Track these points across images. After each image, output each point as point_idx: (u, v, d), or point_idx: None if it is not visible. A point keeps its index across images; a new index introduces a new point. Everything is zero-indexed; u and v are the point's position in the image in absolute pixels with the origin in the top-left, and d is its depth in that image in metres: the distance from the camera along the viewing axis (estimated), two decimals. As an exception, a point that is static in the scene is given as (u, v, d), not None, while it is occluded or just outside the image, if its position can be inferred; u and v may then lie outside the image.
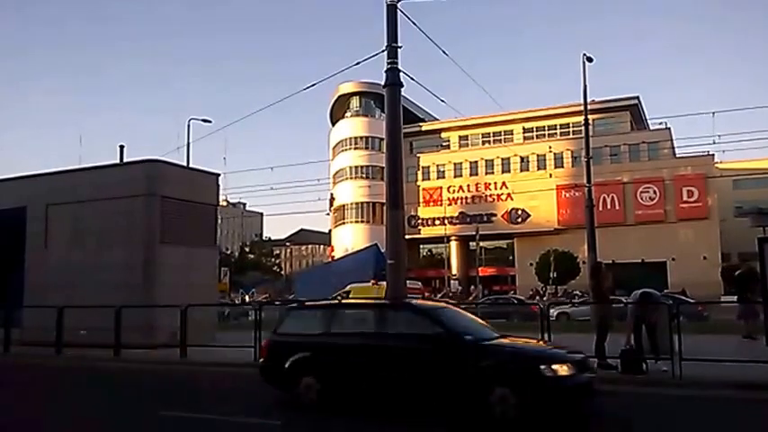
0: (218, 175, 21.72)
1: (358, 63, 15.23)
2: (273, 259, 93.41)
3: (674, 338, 11.14)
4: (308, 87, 17.32)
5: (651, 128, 64.94)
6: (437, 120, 73.67)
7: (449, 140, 74.01)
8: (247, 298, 50.89)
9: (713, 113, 44.30)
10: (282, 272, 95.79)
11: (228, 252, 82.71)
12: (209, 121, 37.14)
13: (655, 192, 60.55)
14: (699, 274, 49.56)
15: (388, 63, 14.10)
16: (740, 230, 60.70)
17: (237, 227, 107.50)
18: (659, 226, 58.80)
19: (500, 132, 71.22)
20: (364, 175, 72.14)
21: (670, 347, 11.29)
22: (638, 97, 67.14)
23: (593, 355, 11.55)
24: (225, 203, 76.83)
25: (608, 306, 13.05)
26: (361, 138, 73.33)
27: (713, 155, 58.08)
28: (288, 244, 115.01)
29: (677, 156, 61.39)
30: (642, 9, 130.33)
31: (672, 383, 10.62)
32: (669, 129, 61.70)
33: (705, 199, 59.27)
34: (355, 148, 73.37)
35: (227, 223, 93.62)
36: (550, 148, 65.29)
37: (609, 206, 59.33)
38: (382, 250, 22.88)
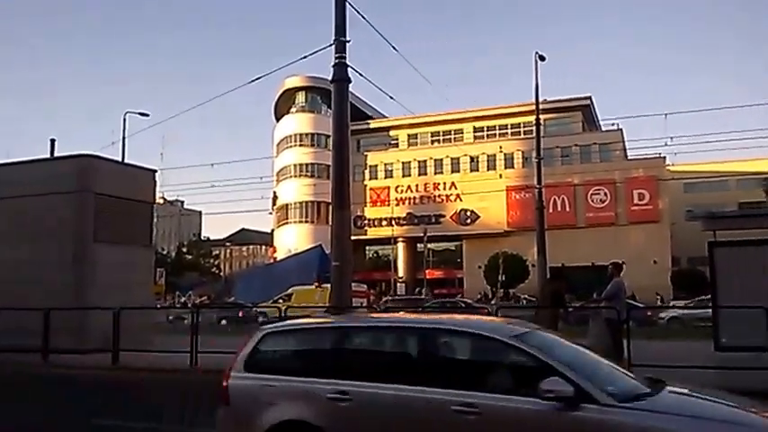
0: (155, 171, 20.80)
1: (305, 57, 14.83)
2: (212, 260, 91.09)
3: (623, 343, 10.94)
4: (252, 81, 16.65)
5: (603, 129, 65.60)
6: (386, 117, 72.88)
7: (397, 139, 73.42)
8: (184, 300, 49.33)
9: (665, 115, 44.59)
10: (222, 273, 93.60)
11: (165, 252, 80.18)
12: (147, 115, 35.64)
13: (606, 194, 60.87)
14: (649, 278, 49.07)
15: (336, 58, 13.44)
16: (691, 234, 61.49)
17: (174, 226, 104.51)
18: (610, 229, 58.64)
19: (450, 131, 70.94)
20: (309, 174, 70.91)
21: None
22: (590, 98, 67.76)
23: None
24: (162, 201, 74.34)
25: (563, 311, 13.13)
26: (307, 134, 72.10)
27: (665, 157, 58.85)
28: (228, 244, 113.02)
29: (629, 158, 62.12)
30: (598, 9, 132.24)
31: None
32: (621, 130, 62.15)
33: (656, 202, 59.71)
34: (300, 145, 72.02)
35: (164, 222, 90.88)
36: (501, 148, 65.20)
37: (559, 208, 59.21)
38: (327, 251, 22.26)
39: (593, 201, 61.20)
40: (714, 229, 14.71)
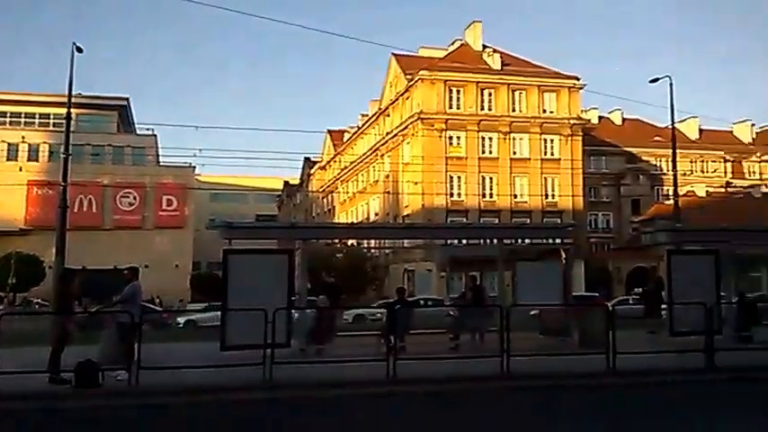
0: None
1: None
2: None
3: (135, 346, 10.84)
4: None
5: (138, 133, 64.91)
6: None
7: None
8: None
9: (197, 128, 46.23)
10: None
11: None
12: None
13: (135, 197, 61.13)
14: (170, 281, 51.07)
15: None
16: (213, 241, 65.10)
17: None
18: (136, 232, 59.28)
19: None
20: None
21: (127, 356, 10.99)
22: (127, 99, 67.39)
23: (47, 369, 10.77)
24: None
25: (71, 316, 12.19)
26: None
27: (194, 167, 61.37)
28: None
29: (161, 164, 62.94)
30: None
31: (130, 393, 10.39)
32: (156, 136, 62.77)
33: (183, 208, 62.29)
34: None
35: None
36: (24, 138, 60.33)
37: (86, 208, 57.75)
38: None
39: (121, 203, 60.88)
40: (230, 238, 15.51)
